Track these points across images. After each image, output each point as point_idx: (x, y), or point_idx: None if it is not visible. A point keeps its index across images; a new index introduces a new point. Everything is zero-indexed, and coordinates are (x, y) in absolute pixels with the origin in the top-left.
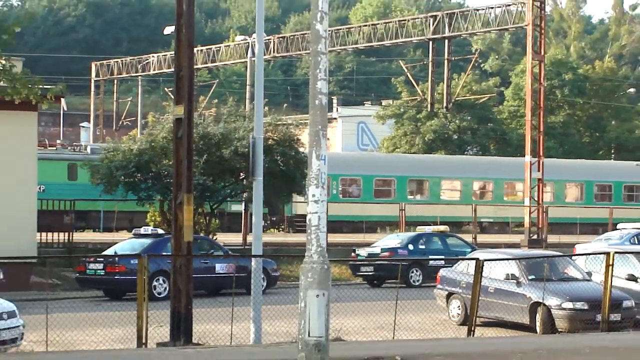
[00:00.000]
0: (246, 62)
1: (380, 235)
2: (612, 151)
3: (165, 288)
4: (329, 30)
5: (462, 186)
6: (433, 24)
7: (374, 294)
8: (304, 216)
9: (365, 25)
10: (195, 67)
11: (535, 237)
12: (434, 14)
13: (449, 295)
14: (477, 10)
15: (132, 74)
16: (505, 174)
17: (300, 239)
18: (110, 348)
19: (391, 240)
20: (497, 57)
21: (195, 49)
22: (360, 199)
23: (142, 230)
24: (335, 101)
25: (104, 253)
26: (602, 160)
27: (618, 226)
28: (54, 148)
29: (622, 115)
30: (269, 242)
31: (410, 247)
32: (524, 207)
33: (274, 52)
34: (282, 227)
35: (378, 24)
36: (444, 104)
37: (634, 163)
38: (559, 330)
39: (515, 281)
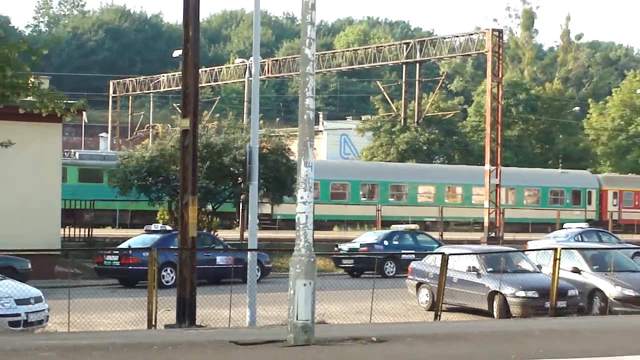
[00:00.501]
0: (244, 81)
1: (353, 232)
2: (560, 161)
3: (173, 277)
4: (316, 55)
5: (408, 190)
6: (406, 50)
7: (354, 283)
8: (268, 215)
9: (348, 51)
10: (199, 85)
11: (493, 234)
12: (407, 41)
13: (419, 284)
14: (444, 38)
15: (145, 91)
16: (448, 179)
17: (290, 235)
18: (124, 329)
19: (369, 236)
20: (461, 79)
21: (199, 70)
22: (318, 200)
23: (152, 227)
24: (321, 116)
25: (119, 246)
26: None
27: (564, 225)
28: None
29: (568, 130)
30: (263, 238)
31: (385, 242)
32: (463, 208)
33: (268, 73)
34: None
35: (359, 49)
36: (415, 119)
37: (559, 170)
38: (513, 315)
39: (475, 273)
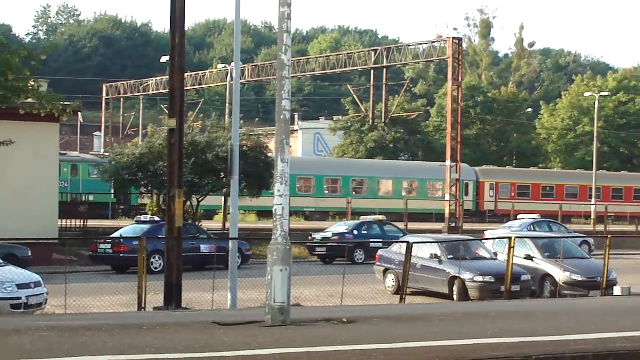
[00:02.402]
0: (226, 85)
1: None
2: (514, 158)
3: (161, 264)
4: (292, 60)
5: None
6: (374, 56)
7: (326, 269)
8: (145, 205)
9: (321, 57)
10: (185, 88)
11: (453, 225)
12: (375, 48)
13: (386, 270)
14: (409, 45)
15: (135, 94)
16: (402, 174)
17: (268, 225)
18: (116, 311)
19: (340, 227)
20: (424, 83)
21: (185, 74)
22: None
23: (142, 218)
24: (296, 116)
25: (111, 236)
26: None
27: (518, 217)
28: None
29: (522, 129)
30: (243, 228)
31: (355, 232)
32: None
33: (248, 77)
34: (131, 214)
35: (331, 55)
36: (383, 120)
37: (438, 164)
38: (472, 298)
39: (437, 259)
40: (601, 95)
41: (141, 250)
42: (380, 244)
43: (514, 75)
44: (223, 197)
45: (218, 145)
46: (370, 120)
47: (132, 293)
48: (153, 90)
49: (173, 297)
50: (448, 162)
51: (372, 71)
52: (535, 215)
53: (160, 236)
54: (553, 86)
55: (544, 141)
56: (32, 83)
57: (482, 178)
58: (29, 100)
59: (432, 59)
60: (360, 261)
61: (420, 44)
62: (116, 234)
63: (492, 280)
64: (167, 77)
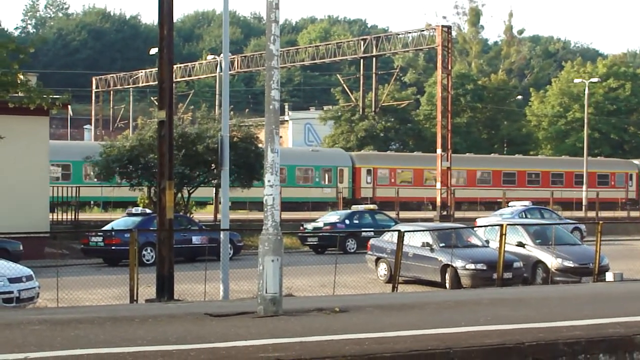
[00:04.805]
0: (215, 76)
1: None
2: (505, 145)
3: (152, 256)
4: (281, 50)
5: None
6: (363, 46)
7: (318, 259)
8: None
9: (310, 47)
10: (174, 80)
11: (445, 213)
12: (364, 37)
13: (377, 259)
14: (398, 34)
15: (125, 86)
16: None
17: (259, 216)
18: (108, 304)
19: (331, 216)
20: (414, 71)
21: (174, 66)
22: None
23: (133, 210)
24: (286, 107)
25: (103, 228)
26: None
27: (509, 204)
28: None
29: (512, 117)
30: (234, 219)
31: (347, 222)
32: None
33: (237, 68)
34: None
35: (320, 45)
36: (373, 109)
37: (309, 148)
38: (464, 286)
39: (429, 248)
40: (591, 82)
41: (132, 243)
42: (372, 233)
43: (503, 62)
44: (214, 189)
45: (208, 136)
46: (361, 110)
47: (124, 285)
48: (143, 83)
49: (165, 289)
50: (439, 151)
51: (362, 60)
52: (526, 202)
53: (151, 228)
54: (543, 73)
55: (534, 128)
56: (21, 77)
57: (358, 163)
58: (18, 94)
59: (421, 48)
60: (352, 250)
61: (410, 33)
62: (107, 227)
63: (484, 268)
64: (156, 69)
